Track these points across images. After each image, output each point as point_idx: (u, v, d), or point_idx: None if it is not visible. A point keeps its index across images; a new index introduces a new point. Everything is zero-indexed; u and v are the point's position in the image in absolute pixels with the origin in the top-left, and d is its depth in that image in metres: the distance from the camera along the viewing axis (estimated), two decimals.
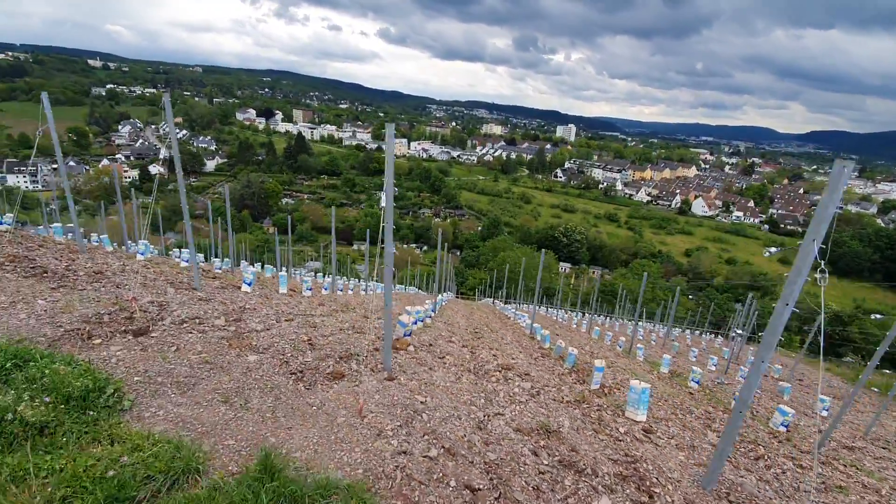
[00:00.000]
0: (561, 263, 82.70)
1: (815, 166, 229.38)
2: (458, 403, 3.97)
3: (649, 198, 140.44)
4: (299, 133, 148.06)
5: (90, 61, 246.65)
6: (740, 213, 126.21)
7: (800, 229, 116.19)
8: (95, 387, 2.73)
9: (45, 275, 4.39)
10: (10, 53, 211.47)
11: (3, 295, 3.65)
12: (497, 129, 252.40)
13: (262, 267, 18.50)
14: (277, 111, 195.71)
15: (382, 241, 3.73)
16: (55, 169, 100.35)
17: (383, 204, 3.63)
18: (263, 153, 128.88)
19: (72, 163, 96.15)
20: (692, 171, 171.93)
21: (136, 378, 3.17)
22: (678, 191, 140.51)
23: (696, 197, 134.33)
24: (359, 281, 20.59)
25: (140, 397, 2.96)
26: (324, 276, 29.36)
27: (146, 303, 4.25)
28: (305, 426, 2.94)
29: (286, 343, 4.42)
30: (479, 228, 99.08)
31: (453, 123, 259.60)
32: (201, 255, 21.22)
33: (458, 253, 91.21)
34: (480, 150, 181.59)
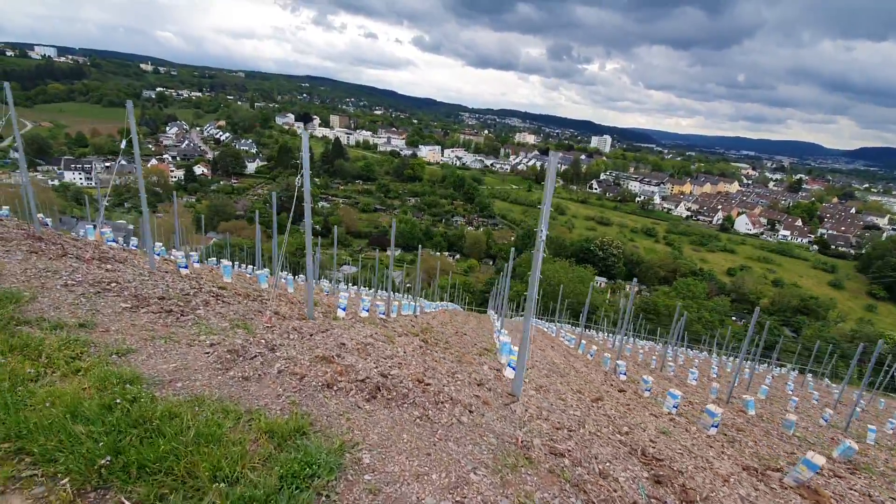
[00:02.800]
0: (596, 278, 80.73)
1: (866, 185, 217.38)
2: None
3: (689, 213, 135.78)
4: (337, 138, 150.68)
5: (142, 65, 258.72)
6: (787, 232, 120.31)
7: (852, 251, 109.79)
8: None
9: (370, 388, 3.49)
10: (69, 57, 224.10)
11: (430, 466, 2.60)
12: (530, 138, 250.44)
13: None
14: (315, 116, 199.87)
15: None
16: (108, 167, 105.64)
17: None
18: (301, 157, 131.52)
19: (122, 162, 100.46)
20: (734, 187, 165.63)
21: None
22: (720, 206, 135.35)
23: (739, 213, 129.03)
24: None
25: None
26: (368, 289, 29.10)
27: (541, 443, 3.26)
28: None
29: None
30: (513, 238, 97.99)
31: (486, 131, 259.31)
32: (259, 269, 21.14)
33: (492, 263, 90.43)
34: (514, 159, 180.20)
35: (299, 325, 4.82)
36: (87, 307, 3.68)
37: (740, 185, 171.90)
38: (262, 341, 3.77)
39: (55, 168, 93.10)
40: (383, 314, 8.68)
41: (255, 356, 3.40)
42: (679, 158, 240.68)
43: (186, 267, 6.99)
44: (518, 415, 3.68)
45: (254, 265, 32.54)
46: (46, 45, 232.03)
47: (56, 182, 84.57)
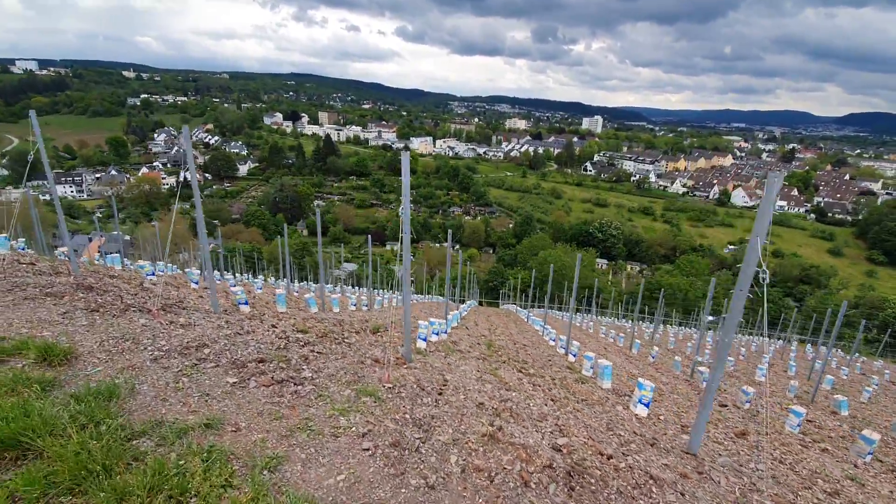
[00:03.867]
0: (597, 260, 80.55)
1: (858, 150, 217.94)
2: None
3: (685, 189, 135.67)
4: (327, 135, 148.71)
5: (124, 73, 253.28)
6: (783, 203, 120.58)
7: (849, 218, 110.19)
8: None
9: None
10: (51, 69, 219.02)
11: None
12: (521, 124, 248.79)
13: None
14: (303, 114, 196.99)
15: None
16: (98, 178, 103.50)
17: None
18: (293, 156, 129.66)
19: (113, 172, 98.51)
20: (728, 160, 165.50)
21: None
22: (715, 181, 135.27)
23: (734, 187, 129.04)
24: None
25: None
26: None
27: None
28: None
29: None
30: (511, 225, 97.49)
31: (476, 119, 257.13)
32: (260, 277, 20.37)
33: (492, 251, 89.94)
34: (506, 146, 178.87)
35: (414, 378, 4.17)
36: (196, 392, 2.99)
37: (734, 158, 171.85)
38: (406, 417, 3.13)
39: (45, 182, 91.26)
40: (438, 333, 8.08)
41: (417, 445, 2.77)
42: (671, 135, 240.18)
43: (247, 303, 6.32)
44: (724, 487, 3.09)
45: (263, 275, 31.80)
46: (28, 59, 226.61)
47: (48, 196, 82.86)
